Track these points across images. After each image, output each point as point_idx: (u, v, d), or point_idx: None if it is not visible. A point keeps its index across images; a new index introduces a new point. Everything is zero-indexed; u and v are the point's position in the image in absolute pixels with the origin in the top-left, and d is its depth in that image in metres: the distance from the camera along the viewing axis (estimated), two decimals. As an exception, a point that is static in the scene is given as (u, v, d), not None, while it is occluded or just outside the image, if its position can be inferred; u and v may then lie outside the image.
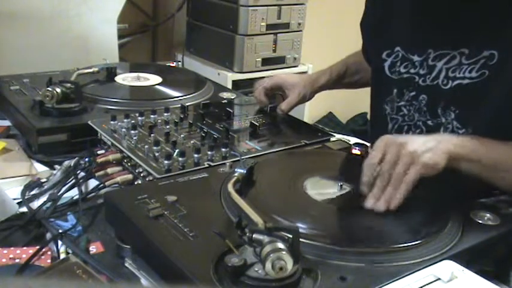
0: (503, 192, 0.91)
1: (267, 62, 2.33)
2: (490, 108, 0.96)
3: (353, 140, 1.24)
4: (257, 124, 1.16)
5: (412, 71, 1.07)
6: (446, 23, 1.01)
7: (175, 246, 0.72)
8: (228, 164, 0.96)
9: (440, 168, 0.84)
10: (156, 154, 1.00)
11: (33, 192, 1.02)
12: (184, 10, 2.49)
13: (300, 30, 2.40)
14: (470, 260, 0.75)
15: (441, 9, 1.02)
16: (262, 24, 2.26)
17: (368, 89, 1.22)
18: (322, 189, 0.88)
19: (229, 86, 2.19)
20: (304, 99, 1.29)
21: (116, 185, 1.01)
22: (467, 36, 0.98)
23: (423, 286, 0.68)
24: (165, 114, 1.19)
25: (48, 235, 0.88)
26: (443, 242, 0.76)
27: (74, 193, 1.01)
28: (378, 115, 1.15)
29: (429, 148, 0.84)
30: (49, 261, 0.82)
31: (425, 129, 1.05)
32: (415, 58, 1.06)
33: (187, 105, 1.25)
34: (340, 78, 1.34)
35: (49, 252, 0.83)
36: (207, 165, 0.98)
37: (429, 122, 1.04)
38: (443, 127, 1.01)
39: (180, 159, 0.97)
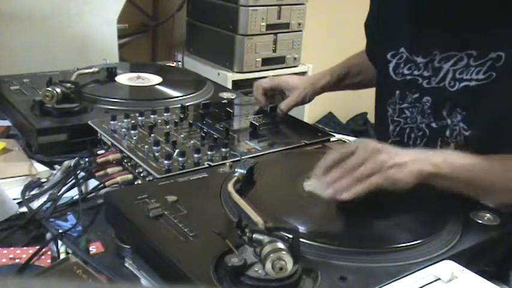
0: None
1: (267, 62, 2.33)
2: (497, 109, 0.95)
3: (353, 140, 1.24)
4: (257, 124, 1.16)
5: (415, 72, 1.06)
6: (453, 25, 1.01)
7: (175, 246, 0.72)
8: (228, 164, 0.96)
9: (404, 185, 0.82)
10: (156, 154, 1.00)
11: (33, 192, 1.02)
12: (184, 10, 2.49)
13: (300, 30, 2.40)
14: (470, 260, 0.75)
15: (447, 11, 1.01)
16: (262, 24, 2.26)
17: (368, 89, 1.22)
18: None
19: (229, 86, 2.19)
20: (303, 101, 1.29)
21: (116, 185, 1.01)
22: (475, 38, 0.98)
23: (423, 286, 0.68)
24: (165, 114, 1.19)
25: (48, 235, 0.88)
26: (443, 242, 0.76)
27: (74, 193, 1.01)
28: (381, 117, 1.15)
29: (398, 164, 0.83)
30: (49, 261, 0.81)
31: (428, 132, 1.05)
32: (419, 60, 1.06)
33: (187, 105, 1.25)
34: (341, 80, 1.34)
35: (49, 252, 0.83)
36: (207, 165, 0.98)
37: (433, 124, 1.04)
38: (450, 129, 1.01)
39: (180, 159, 0.97)
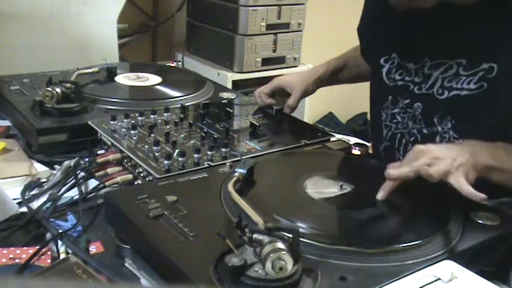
0: (505, 194, 0.91)
1: (267, 62, 2.33)
2: (488, 120, 0.95)
3: (353, 140, 1.24)
4: (257, 124, 1.16)
5: (407, 78, 1.06)
6: (443, 33, 1.01)
7: (175, 246, 0.72)
8: (228, 164, 0.96)
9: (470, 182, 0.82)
10: (156, 154, 1.00)
11: (33, 192, 1.02)
12: (184, 10, 2.49)
13: (300, 30, 2.40)
14: (470, 260, 0.75)
15: (438, 19, 1.01)
16: (262, 24, 2.26)
17: (368, 89, 1.22)
18: (322, 189, 0.88)
19: (229, 86, 2.19)
20: (307, 92, 1.29)
21: (116, 185, 1.01)
22: (465, 47, 0.98)
23: (423, 286, 0.68)
24: (165, 114, 1.19)
25: (48, 235, 0.88)
26: (443, 242, 0.76)
27: (74, 193, 1.01)
28: (376, 121, 1.15)
29: (460, 164, 0.82)
30: (49, 261, 0.82)
31: (420, 137, 1.05)
32: (411, 66, 1.06)
33: (187, 105, 1.25)
34: (338, 72, 1.33)
35: (49, 252, 0.83)
36: (207, 165, 0.98)
37: (424, 130, 1.04)
38: (440, 136, 1.01)
39: (180, 159, 0.97)
